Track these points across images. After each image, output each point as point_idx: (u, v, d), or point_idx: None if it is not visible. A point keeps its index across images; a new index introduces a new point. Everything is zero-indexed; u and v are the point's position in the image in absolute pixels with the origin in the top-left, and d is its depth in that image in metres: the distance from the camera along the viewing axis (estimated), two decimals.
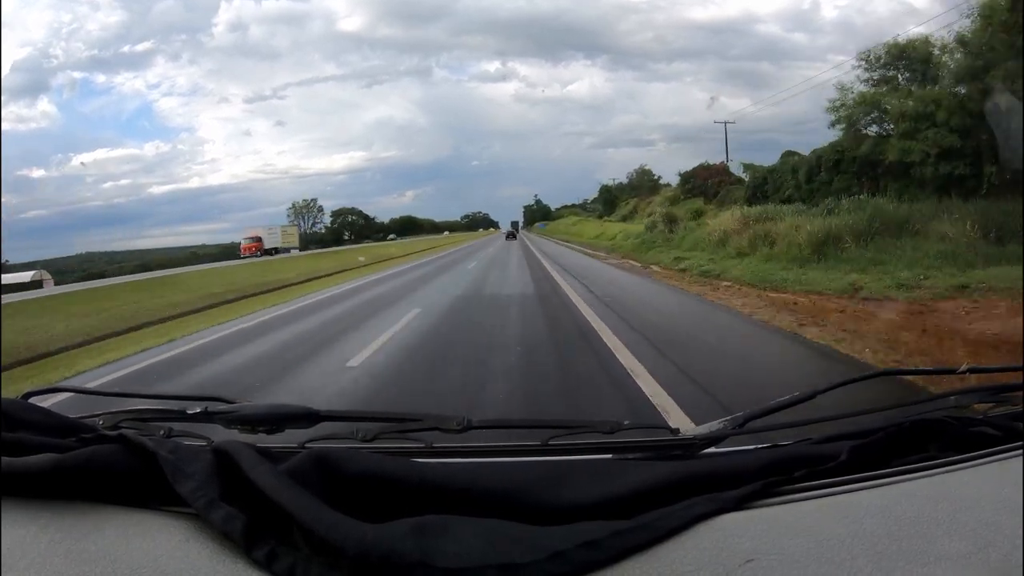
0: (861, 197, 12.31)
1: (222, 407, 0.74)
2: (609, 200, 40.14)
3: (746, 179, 18.89)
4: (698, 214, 18.58)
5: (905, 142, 12.44)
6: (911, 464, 0.57)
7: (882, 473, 0.56)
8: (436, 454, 0.71)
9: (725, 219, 14.42)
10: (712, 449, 0.69)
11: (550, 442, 0.71)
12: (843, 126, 14.50)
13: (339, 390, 4.25)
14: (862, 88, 14.56)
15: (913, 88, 13.80)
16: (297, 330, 7.42)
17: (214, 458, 0.55)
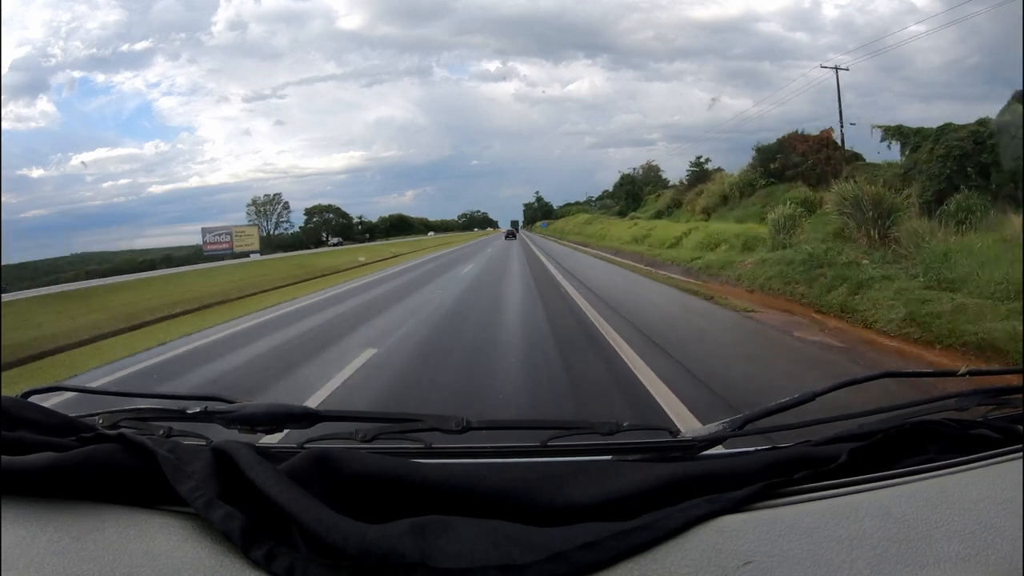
0: None
1: (221, 407, 0.74)
2: (632, 193, 36.48)
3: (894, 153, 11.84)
4: (807, 206, 12.06)
5: None
6: (911, 466, 0.57)
7: (882, 475, 0.56)
8: (435, 455, 0.71)
9: None
10: (712, 451, 0.69)
11: (549, 443, 0.71)
12: None
13: None
14: None
15: None
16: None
17: (213, 458, 0.55)
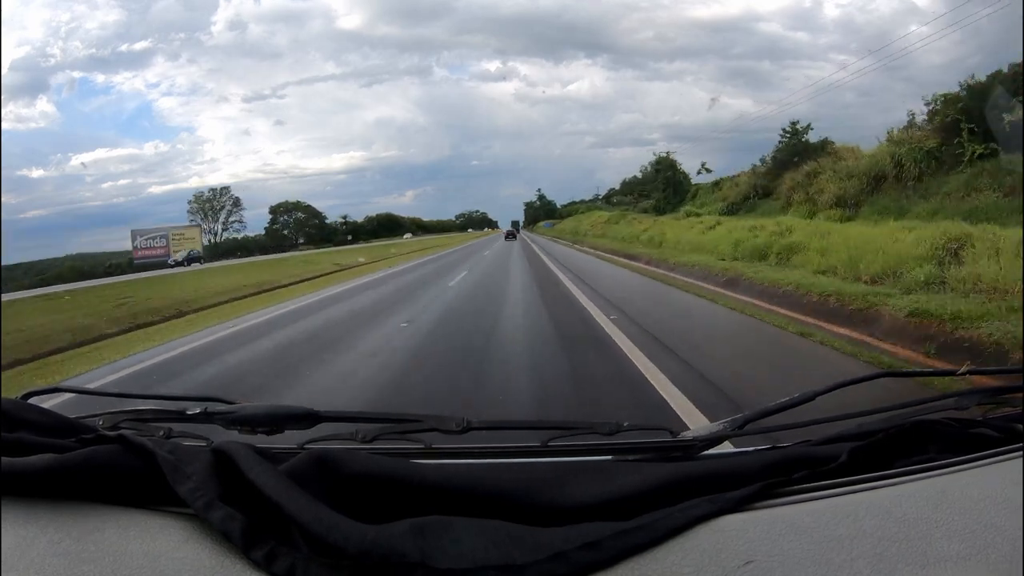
0: None
1: (221, 408, 0.74)
2: (674, 182, 31.19)
3: None
4: None
5: None
6: (911, 466, 0.57)
7: (882, 475, 0.56)
8: (436, 455, 0.71)
9: None
10: (712, 451, 0.69)
11: (550, 443, 0.71)
12: None
13: None
14: None
15: None
16: None
17: (213, 458, 0.55)
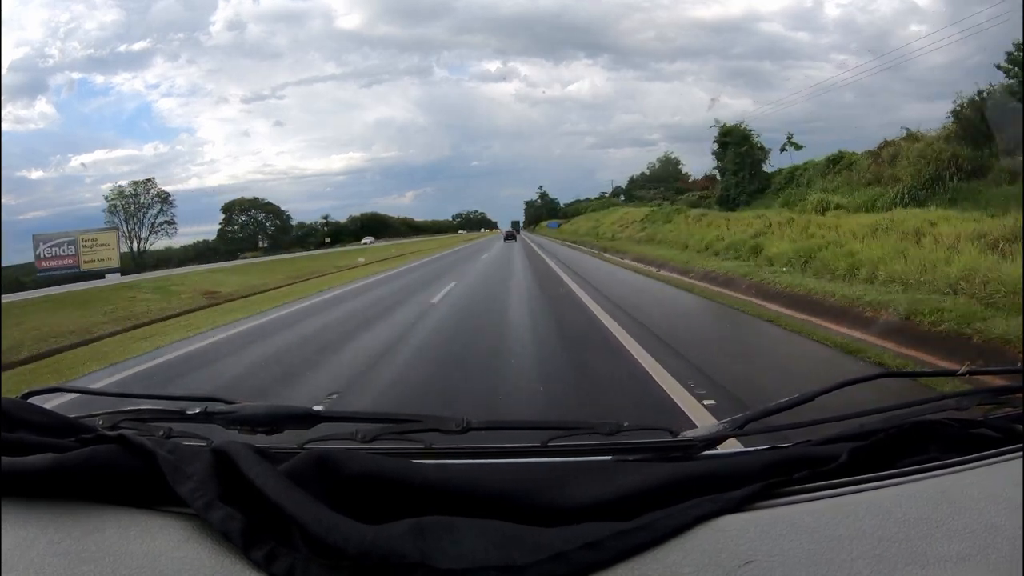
0: None
1: (222, 408, 0.74)
2: (752, 163, 21.23)
3: None
4: None
5: None
6: (911, 466, 0.57)
7: (882, 475, 0.56)
8: (436, 455, 0.71)
9: None
10: (712, 451, 0.69)
11: (550, 443, 0.71)
12: None
13: None
14: None
15: None
16: None
17: (213, 458, 0.55)
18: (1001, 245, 6.23)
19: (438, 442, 0.72)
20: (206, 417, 0.73)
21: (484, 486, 0.54)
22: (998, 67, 13.97)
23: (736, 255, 11.39)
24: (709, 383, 3.73)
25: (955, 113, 14.93)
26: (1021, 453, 0.57)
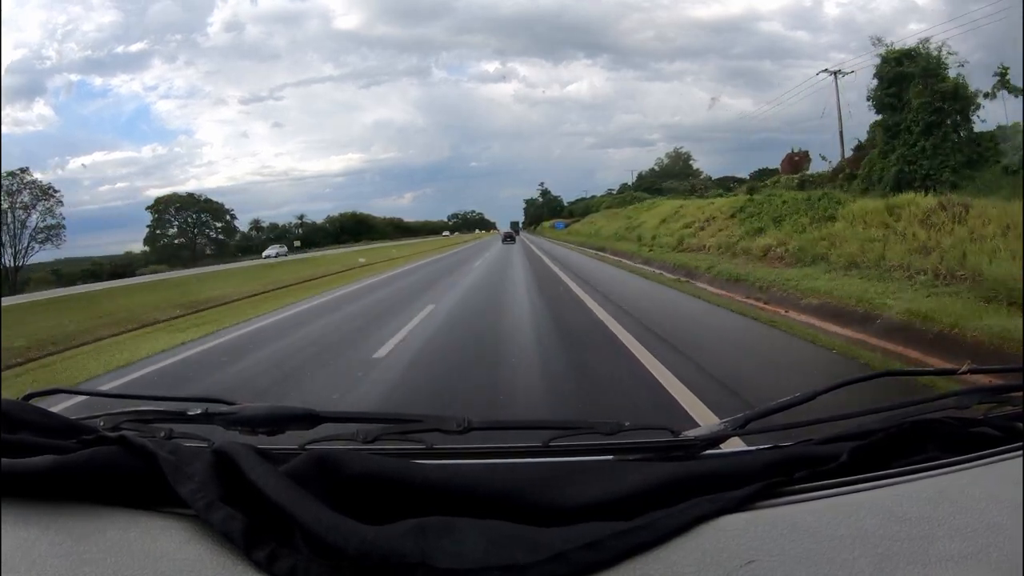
0: None
1: (223, 409, 0.74)
2: (950, 119, 12.06)
3: None
4: None
5: None
6: (912, 465, 0.57)
7: (883, 474, 0.56)
8: (437, 455, 0.71)
9: None
10: (713, 450, 0.69)
11: (551, 443, 0.71)
12: None
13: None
14: None
15: None
16: None
17: (214, 459, 0.55)
18: None
19: (439, 442, 0.72)
20: (207, 418, 0.73)
21: (485, 486, 0.55)
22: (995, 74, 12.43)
23: None
24: None
25: None
26: (1021, 452, 0.57)
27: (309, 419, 0.71)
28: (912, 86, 13.51)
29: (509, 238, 37.22)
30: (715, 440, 0.70)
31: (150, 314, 10.69)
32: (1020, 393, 0.74)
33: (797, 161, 24.11)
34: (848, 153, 18.29)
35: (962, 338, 4.44)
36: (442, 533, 0.47)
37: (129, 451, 0.56)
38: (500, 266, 17.24)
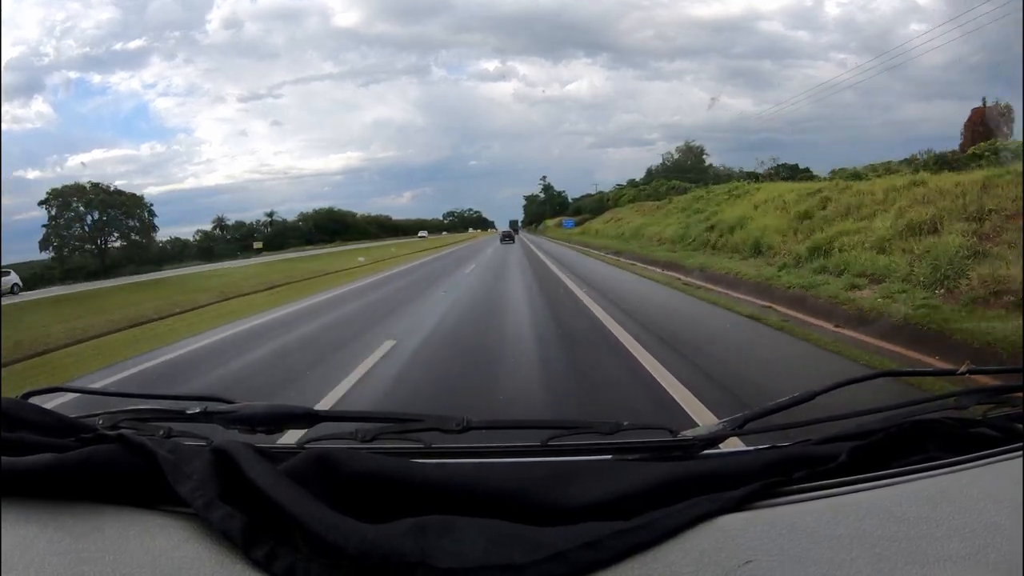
0: None
1: (222, 407, 0.74)
2: None
3: None
4: None
5: None
6: (911, 465, 0.57)
7: (882, 474, 0.56)
8: (436, 455, 0.71)
9: None
10: (712, 450, 0.69)
11: (550, 443, 0.71)
12: None
13: None
14: None
15: None
16: None
17: (213, 458, 0.55)
18: None
19: (438, 441, 0.72)
20: (206, 417, 0.73)
21: (484, 485, 0.55)
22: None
23: None
24: None
25: None
26: (1021, 452, 0.57)
27: (308, 418, 0.71)
28: None
29: (508, 238, 36.63)
30: (714, 440, 0.70)
31: None
32: (1020, 394, 0.74)
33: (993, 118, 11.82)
34: None
35: None
36: (442, 532, 0.47)
37: (128, 449, 0.56)
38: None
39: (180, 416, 0.75)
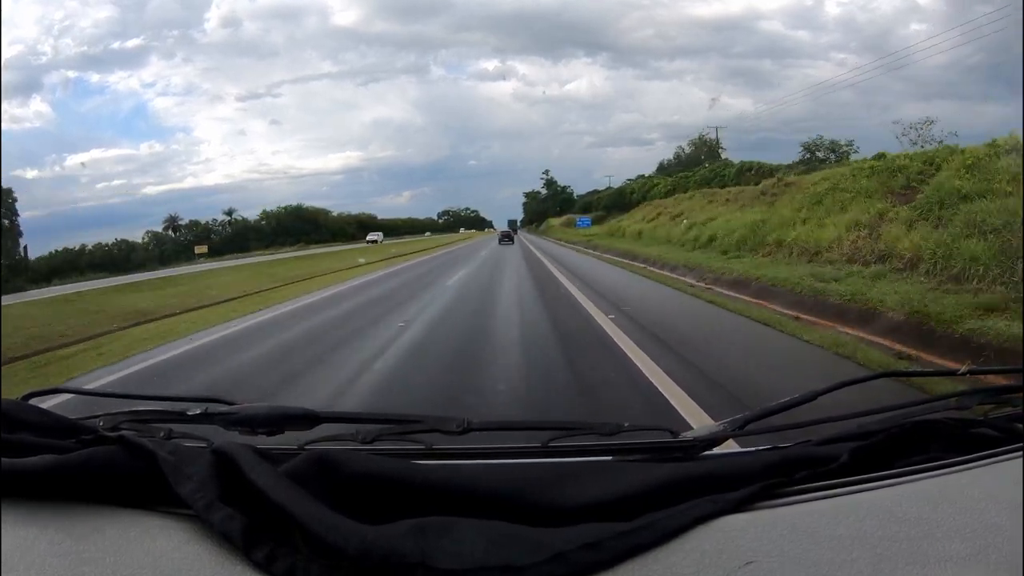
0: None
1: (222, 408, 0.74)
2: None
3: None
4: None
5: None
6: (912, 466, 0.57)
7: (883, 475, 0.56)
8: (436, 456, 0.71)
9: None
10: (713, 451, 0.69)
11: (550, 444, 0.71)
12: None
13: None
14: None
15: None
16: None
17: (214, 459, 0.55)
18: None
19: (438, 443, 0.72)
20: (206, 418, 0.73)
21: (484, 486, 0.54)
22: None
23: None
24: None
25: None
26: (1022, 453, 0.57)
27: (308, 419, 0.71)
28: None
29: (507, 238, 36.23)
30: (714, 441, 0.70)
31: None
32: (1021, 394, 0.74)
33: None
34: None
35: None
36: (442, 533, 0.47)
37: (128, 451, 0.56)
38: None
39: (181, 417, 0.75)
